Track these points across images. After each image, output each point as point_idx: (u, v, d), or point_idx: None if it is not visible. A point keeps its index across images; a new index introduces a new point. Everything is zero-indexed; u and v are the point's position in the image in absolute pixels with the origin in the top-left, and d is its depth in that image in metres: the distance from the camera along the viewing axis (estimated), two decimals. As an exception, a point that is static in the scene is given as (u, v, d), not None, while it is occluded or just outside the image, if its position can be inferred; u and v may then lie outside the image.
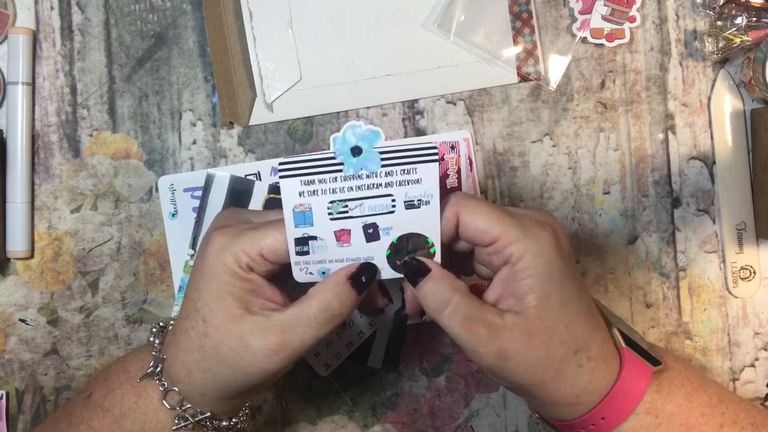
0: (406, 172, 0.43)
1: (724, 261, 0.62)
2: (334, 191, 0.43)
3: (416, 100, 0.61)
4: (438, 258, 0.45)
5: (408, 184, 0.43)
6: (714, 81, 0.62)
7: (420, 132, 0.62)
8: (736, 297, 0.62)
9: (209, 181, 0.61)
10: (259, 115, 0.61)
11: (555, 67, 0.61)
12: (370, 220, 0.44)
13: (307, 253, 0.44)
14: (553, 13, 0.61)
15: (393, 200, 0.43)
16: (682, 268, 0.62)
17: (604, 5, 0.60)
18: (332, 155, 0.42)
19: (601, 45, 0.61)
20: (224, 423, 0.48)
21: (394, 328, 0.61)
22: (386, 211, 0.44)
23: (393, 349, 0.62)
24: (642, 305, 0.62)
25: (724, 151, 0.62)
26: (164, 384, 0.46)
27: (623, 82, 0.62)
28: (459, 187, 0.61)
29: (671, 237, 0.62)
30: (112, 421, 0.46)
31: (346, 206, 0.43)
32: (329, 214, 0.44)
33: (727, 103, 0.61)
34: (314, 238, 0.44)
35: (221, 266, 0.44)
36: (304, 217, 0.43)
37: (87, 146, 0.61)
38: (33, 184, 0.61)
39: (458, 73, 0.61)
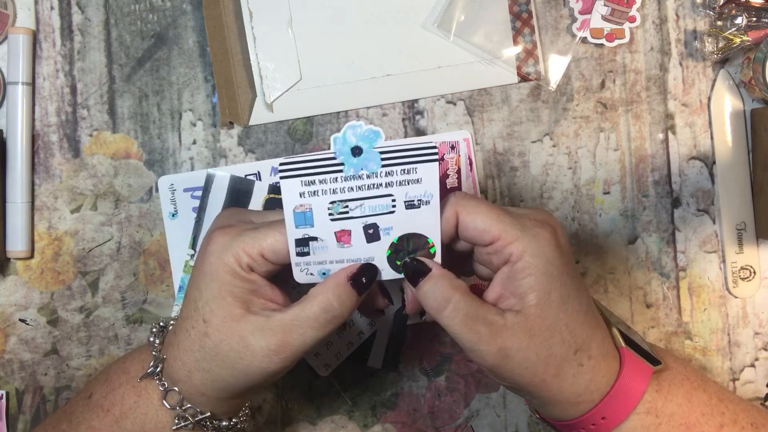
0: (406, 172, 0.43)
1: (724, 261, 0.62)
2: (334, 191, 0.43)
3: (416, 100, 0.61)
4: (438, 258, 0.45)
5: (408, 184, 0.43)
6: (714, 81, 0.62)
7: (420, 132, 0.62)
8: (736, 297, 0.62)
9: (209, 181, 0.61)
10: (259, 115, 0.61)
11: (555, 67, 0.61)
12: (370, 220, 0.44)
13: (308, 254, 0.44)
14: (553, 13, 0.61)
15: (393, 200, 0.43)
16: (682, 268, 0.62)
17: (604, 5, 0.60)
18: (333, 155, 0.42)
19: (601, 45, 0.61)
20: (224, 423, 0.48)
21: (394, 328, 0.61)
22: (386, 211, 0.44)
23: (393, 349, 0.62)
24: (642, 305, 0.63)
25: (724, 151, 0.62)
26: (164, 384, 0.46)
27: (623, 82, 0.62)
28: (459, 187, 0.61)
29: (671, 237, 0.62)
30: (112, 421, 0.46)
31: (347, 206, 0.43)
32: (330, 214, 0.44)
33: (727, 103, 0.61)
34: (315, 238, 0.44)
35: (222, 266, 0.44)
36: (304, 217, 0.43)
37: (87, 146, 0.61)
38: (33, 184, 0.61)
39: (458, 73, 0.61)
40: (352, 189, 0.43)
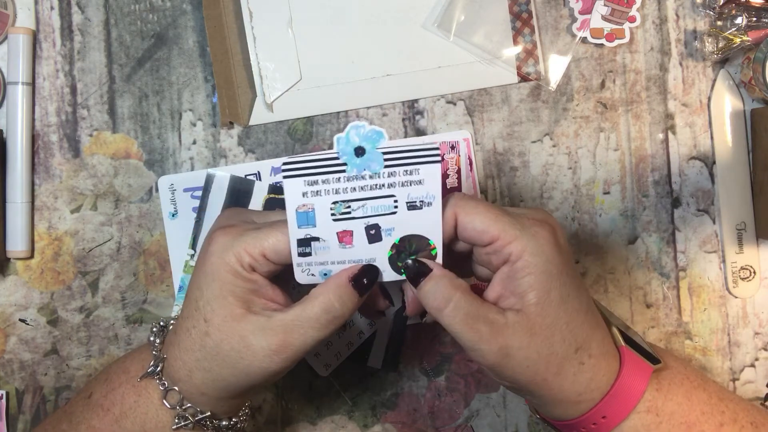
0: (408, 173, 0.43)
1: (724, 261, 0.62)
2: (337, 191, 0.43)
3: (416, 100, 0.61)
4: (439, 259, 0.45)
5: (410, 185, 0.43)
6: (714, 81, 0.62)
7: (420, 132, 0.62)
8: (736, 297, 0.63)
9: (209, 181, 0.61)
10: (259, 115, 0.61)
11: (555, 67, 0.61)
12: (372, 221, 0.44)
13: (309, 254, 0.44)
14: (553, 13, 0.61)
15: (395, 201, 0.43)
16: (682, 268, 0.62)
17: (604, 5, 0.60)
18: (336, 155, 0.42)
19: (601, 45, 0.61)
20: (224, 422, 0.48)
21: (394, 328, 0.61)
22: (388, 212, 0.44)
23: (393, 349, 0.62)
24: (642, 305, 0.63)
25: (724, 151, 0.62)
26: (164, 383, 0.46)
27: (623, 82, 0.62)
28: (459, 187, 0.61)
29: (671, 237, 0.62)
30: (112, 421, 0.46)
31: (349, 207, 0.43)
32: (332, 214, 0.44)
33: (727, 103, 0.61)
34: (317, 239, 0.44)
35: (224, 266, 0.44)
36: (307, 217, 0.43)
37: (87, 146, 0.61)
38: (33, 184, 0.61)
39: (458, 73, 0.61)
40: (354, 189, 0.43)
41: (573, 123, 0.62)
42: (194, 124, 0.61)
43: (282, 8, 0.60)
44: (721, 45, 0.60)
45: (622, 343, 0.46)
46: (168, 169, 0.61)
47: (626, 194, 0.62)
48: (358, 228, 0.44)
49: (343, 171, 0.42)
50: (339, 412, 0.63)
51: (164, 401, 0.46)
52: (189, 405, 0.46)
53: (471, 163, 0.61)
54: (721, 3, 0.60)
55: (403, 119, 0.61)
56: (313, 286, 0.45)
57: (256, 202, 0.61)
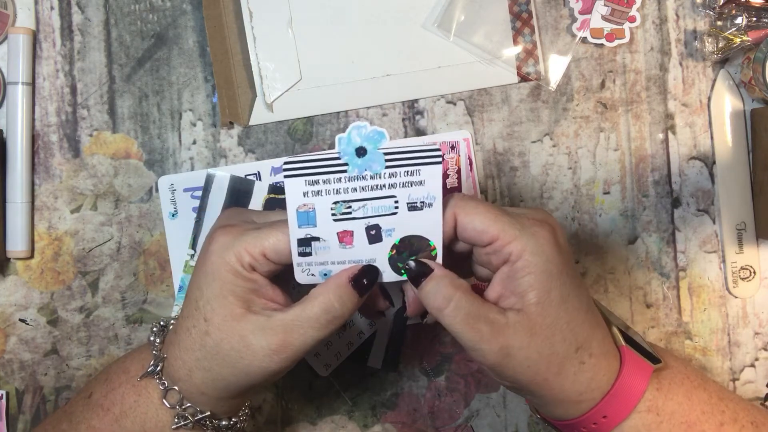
0: (409, 173, 0.43)
1: (724, 261, 0.62)
2: (338, 192, 0.43)
3: (416, 100, 0.61)
4: (440, 260, 0.45)
5: (411, 185, 0.43)
6: (714, 81, 0.62)
7: (420, 132, 0.62)
8: (736, 297, 0.63)
9: (209, 181, 0.61)
10: (259, 115, 0.61)
11: (555, 67, 0.61)
12: (373, 221, 0.44)
13: (310, 254, 0.44)
14: (553, 13, 0.61)
15: (396, 202, 0.43)
16: (682, 268, 0.62)
17: (604, 5, 0.60)
18: (337, 155, 0.42)
19: (601, 45, 0.61)
20: (224, 422, 0.48)
21: (394, 328, 0.61)
22: (389, 212, 0.44)
23: (393, 349, 0.62)
24: (642, 305, 0.63)
25: (724, 151, 0.62)
26: (164, 383, 0.46)
27: (623, 82, 0.62)
28: (459, 187, 0.61)
29: (671, 237, 0.62)
30: (112, 420, 0.46)
31: (350, 207, 0.43)
32: (333, 214, 0.44)
33: (727, 103, 0.62)
34: (317, 239, 0.44)
35: (224, 265, 0.44)
36: (307, 217, 0.43)
37: (87, 146, 0.61)
38: (33, 184, 0.61)
39: (458, 73, 0.61)
40: (355, 190, 0.43)
41: (573, 123, 0.62)
42: (194, 124, 0.61)
43: (282, 8, 0.60)
44: (721, 45, 0.61)
45: (623, 342, 0.46)
46: (168, 169, 0.61)
47: (626, 194, 0.62)
48: (358, 228, 0.44)
49: (344, 171, 0.42)
50: (339, 412, 0.63)
51: (164, 401, 0.46)
52: (189, 405, 0.46)
53: (471, 163, 0.61)
54: (721, 3, 0.60)
55: (403, 119, 0.62)
56: (313, 286, 0.45)
57: (256, 202, 0.61)
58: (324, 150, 0.61)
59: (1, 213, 0.60)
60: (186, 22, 0.61)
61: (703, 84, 0.62)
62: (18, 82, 0.60)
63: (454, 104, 0.61)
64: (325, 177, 0.43)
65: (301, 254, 0.44)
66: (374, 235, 0.44)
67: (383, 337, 0.61)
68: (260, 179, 0.61)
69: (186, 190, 0.61)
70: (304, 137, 0.61)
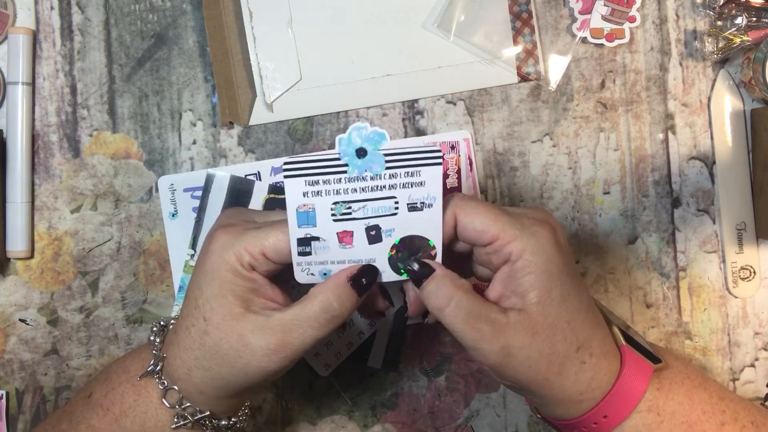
0: (410, 174, 0.43)
1: (724, 261, 0.62)
2: (338, 192, 0.43)
3: (416, 100, 0.61)
4: (439, 259, 0.45)
5: (411, 186, 0.43)
6: (714, 81, 0.62)
7: (420, 132, 0.62)
8: (736, 297, 0.62)
9: (209, 181, 0.61)
10: (259, 115, 0.61)
11: (555, 67, 0.61)
12: (372, 221, 0.44)
13: (309, 253, 0.44)
14: (553, 13, 0.61)
15: (396, 202, 0.43)
16: (682, 268, 0.62)
17: (604, 5, 0.60)
18: (337, 156, 0.42)
19: (601, 45, 0.61)
20: (223, 422, 0.48)
21: (394, 329, 0.61)
22: (389, 213, 0.44)
23: (393, 349, 0.62)
24: (642, 305, 0.63)
25: (724, 151, 0.62)
26: (164, 382, 0.46)
27: (623, 82, 0.62)
28: (459, 187, 0.61)
29: (671, 237, 0.62)
30: (112, 420, 0.46)
31: (350, 207, 0.43)
32: (332, 215, 0.44)
33: (727, 103, 0.62)
34: (317, 238, 0.44)
35: (223, 264, 0.44)
36: (307, 217, 0.43)
37: (87, 146, 0.61)
38: (33, 184, 0.61)
39: (458, 73, 0.61)
40: (355, 190, 0.43)
41: (573, 123, 0.62)
42: (194, 124, 0.61)
43: (282, 8, 0.60)
44: (721, 45, 0.61)
45: (623, 342, 0.46)
46: (168, 169, 0.61)
47: (626, 194, 0.62)
48: (358, 228, 0.44)
49: (345, 172, 0.42)
50: (339, 412, 0.63)
51: (163, 400, 0.46)
52: (188, 404, 0.46)
53: (471, 163, 0.61)
54: (721, 3, 0.60)
55: (403, 119, 0.61)
56: (313, 285, 0.45)
57: (256, 202, 0.61)
58: (324, 150, 0.61)
59: (1, 213, 0.60)
60: (186, 22, 0.61)
61: (703, 84, 0.62)
62: (18, 82, 0.60)
63: (454, 104, 0.61)
64: (325, 177, 0.43)
65: (300, 254, 0.44)
66: (374, 235, 0.44)
67: (383, 337, 0.61)
68: (260, 179, 0.61)
69: (186, 190, 0.61)
70: (304, 137, 0.61)
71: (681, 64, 0.62)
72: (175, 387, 0.46)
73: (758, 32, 0.59)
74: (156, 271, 0.61)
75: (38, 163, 0.61)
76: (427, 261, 0.44)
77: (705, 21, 0.61)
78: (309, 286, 0.45)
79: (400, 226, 0.44)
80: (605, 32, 0.61)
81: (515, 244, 0.42)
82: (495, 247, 0.43)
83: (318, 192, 0.43)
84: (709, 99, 0.62)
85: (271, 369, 0.44)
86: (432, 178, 0.43)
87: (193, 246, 0.60)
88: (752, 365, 0.63)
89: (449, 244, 0.46)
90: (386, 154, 0.42)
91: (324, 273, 0.45)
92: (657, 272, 0.62)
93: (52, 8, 0.61)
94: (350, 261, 0.45)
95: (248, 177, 0.61)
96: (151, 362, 0.47)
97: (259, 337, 0.43)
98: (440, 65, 0.61)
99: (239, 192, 0.61)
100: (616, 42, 0.61)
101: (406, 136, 0.62)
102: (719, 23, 0.60)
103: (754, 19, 0.60)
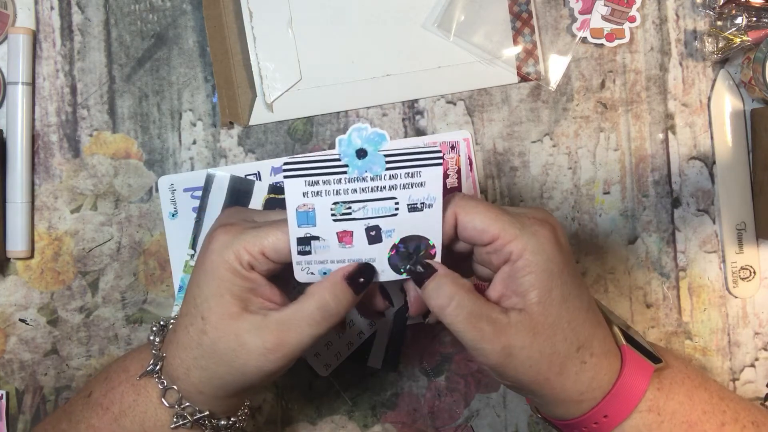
0: (410, 175, 0.43)
1: (724, 261, 0.62)
2: (338, 192, 0.43)
3: (416, 100, 0.61)
4: (438, 259, 0.45)
5: (412, 187, 0.43)
6: (714, 81, 0.62)
7: (420, 132, 0.62)
8: (736, 297, 0.62)
9: (209, 181, 0.61)
10: (259, 115, 0.61)
11: (555, 67, 0.61)
12: (372, 222, 0.44)
13: (309, 253, 0.44)
14: (553, 13, 0.61)
15: (396, 203, 0.43)
16: (682, 268, 0.62)
17: (604, 5, 0.60)
18: (337, 156, 0.42)
19: (601, 45, 0.61)
20: (223, 422, 0.48)
21: (394, 328, 0.61)
22: (389, 213, 0.44)
23: (393, 349, 0.62)
24: (642, 305, 0.62)
25: (724, 151, 0.62)
26: (163, 382, 0.46)
27: (623, 82, 0.62)
28: (459, 187, 0.61)
29: (671, 237, 0.62)
30: (111, 420, 0.46)
31: (350, 208, 0.43)
32: (332, 215, 0.44)
33: (727, 103, 0.62)
34: (316, 238, 0.44)
35: (223, 263, 0.44)
36: (307, 217, 0.43)
37: (87, 146, 0.61)
38: (33, 184, 0.61)
39: (458, 73, 0.61)
40: (355, 191, 0.43)
41: (573, 123, 0.62)
42: (194, 124, 0.61)
43: (282, 8, 0.60)
44: (721, 45, 0.61)
45: (624, 342, 0.46)
46: (168, 169, 0.61)
47: (626, 194, 0.62)
48: (358, 229, 0.44)
49: (345, 172, 0.42)
50: (339, 412, 0.63)
51: (162, 400, 0.46)
52: (187, 404, 0.46)
53: (471, 163, 0.61)
54: (721, 3, 0.60)
55: (403, 119, 0.62)
56: (312, 285, 0.45)
57: (256, 202, 0.61)
58: (324, 150, 0.61)
59: (1, 213, 0.59)
60: (186, 22, 0.61)
61: (703, 84, 0.62)
62: (18, 82, 0.60)
63: (454, 104, 0.61)
64: (325, 178, 0.43)
65: (300, 253, 0.44)
66: (374, 236, 0.44)
67: (383, 337, 0.61)
68: (260, 179, 0.61)
69: (186, 190, 0.61)
70: (304, 137, 0.61)
71: (681, 64, 0.62)
72: (175, 387, 0.46)
73: (758, 32, 0.59)
74: (156, 271, 0.61)
75: (38, 163, 0.61)
76: (428, 261, 0.44)
77: (705, 21, 0.61)
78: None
79: (400, 227, 0.44)
80: (605, 32, 0.61)
81: (516, 244, 0.42)
82: (495, 247, 0.43)
83: (318, 192, 0.43)
84: (709, 99, 0.62)
85: (269, 368, 0.44)
86: (432, 178, 0.43)
87: (193, 246, 0.60)
88: (752, 365, 0.63)
89: (450, 244, 0.46)
90: (386, 155, 0.42)
91: (324, 272, 0.45)
92: (657, 272, 0.62)
93: (52, 8, 0.61)
94: (350, 260, 0.45)
95: (248, 177, 0.61)
96: (151, 362, 0.47)
97: (256, 337, 0.43)
98: (440, 65, 0.61)
99: (239, 192, 0.61)
100: (616, 42, 0.61)
101: (406, 136, 0.62)
102: (719, 23, 0.60)
103: (754, 19, 0.60)
